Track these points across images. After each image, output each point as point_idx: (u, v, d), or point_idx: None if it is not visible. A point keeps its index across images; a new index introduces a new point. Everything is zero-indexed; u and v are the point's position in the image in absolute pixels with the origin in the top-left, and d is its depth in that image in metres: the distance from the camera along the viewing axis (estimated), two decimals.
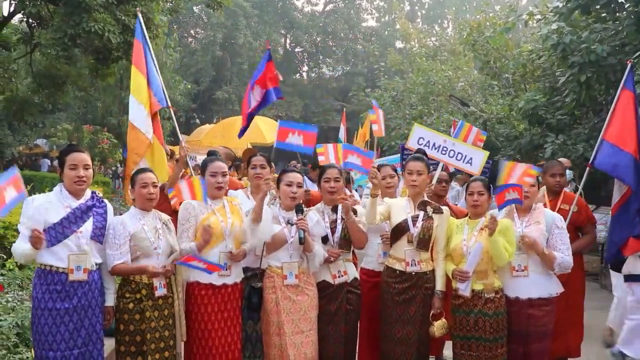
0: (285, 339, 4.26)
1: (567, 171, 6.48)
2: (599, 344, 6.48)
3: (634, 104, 5.52)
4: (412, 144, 6.85)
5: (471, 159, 7.20)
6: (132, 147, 5.50)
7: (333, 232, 4.52)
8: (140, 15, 5.83)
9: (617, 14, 9.50)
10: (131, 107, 5.50)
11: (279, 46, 41.44)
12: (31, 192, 8.52)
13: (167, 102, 5.75)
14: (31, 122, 17.66)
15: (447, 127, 12.35)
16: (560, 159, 6.84)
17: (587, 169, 5.75)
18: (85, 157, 3.96)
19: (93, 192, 4.07)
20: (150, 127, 5.49)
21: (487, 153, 7.32)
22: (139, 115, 5.47)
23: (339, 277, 4.49)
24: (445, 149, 7.16)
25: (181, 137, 6.60)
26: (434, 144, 6.98)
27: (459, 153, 7.20)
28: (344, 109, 10.48)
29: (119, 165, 25.76)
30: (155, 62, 5.75)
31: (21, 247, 3.70)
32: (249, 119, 6.56)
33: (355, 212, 4.51)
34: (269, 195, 5.01)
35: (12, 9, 12.98)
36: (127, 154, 5.66)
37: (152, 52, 5.77)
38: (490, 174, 10.83)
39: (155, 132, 5.60)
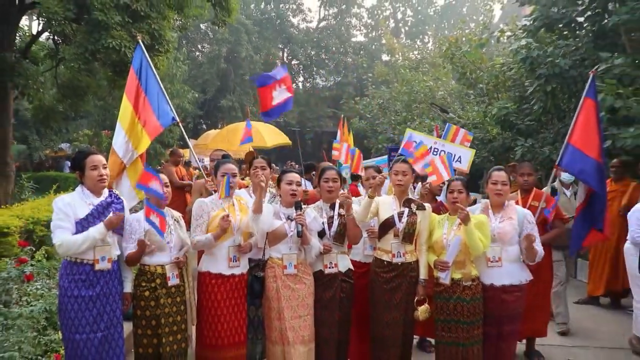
0: (285, 323, 4.27)
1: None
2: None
3: (596, 112, 5.54)
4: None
5: (460, 157, 7.25)
6: (110, 169, 5.47)
7: (330, 227, 4.50)
8: (141, 41, 5.69)
9: (577, 32, 9.58)
10: (116, 132, 5.45)
11: (277, 59, 41.44)
12: (57, 191, 8.57)
13: (175, 117, 5.76)
14: (56, 128, 17.64)
15: (429, 132, 12.35)
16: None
17: (555, 169, 5.77)
18: (103, 158, 4.00)
19: (110, 191, 4.09)
20: (128, 151, 5.39)
21: (473, 151, 7.34)
22: (118, 139, 5.40)
23: (329, 268, 4.47)
24: (436, 149, 7.19)
25: (190, 142, 6.61)
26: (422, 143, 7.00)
27: (449, 153, 7.23)
28: (342, 116, 10.47)
29: None
30: (161, 84, 5.70)
31: (81, 236, 3.71)
32: (275, 112, 6.91)
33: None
34: (269, 193, 5.01)
35: (40, 28, 13.08)
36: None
37: (157, 75, 5.68)
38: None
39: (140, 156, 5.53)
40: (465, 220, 4.16)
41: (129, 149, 5.40)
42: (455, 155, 7.23)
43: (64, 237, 3.71)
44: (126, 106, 5.48)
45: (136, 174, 5.21)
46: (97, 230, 3.74)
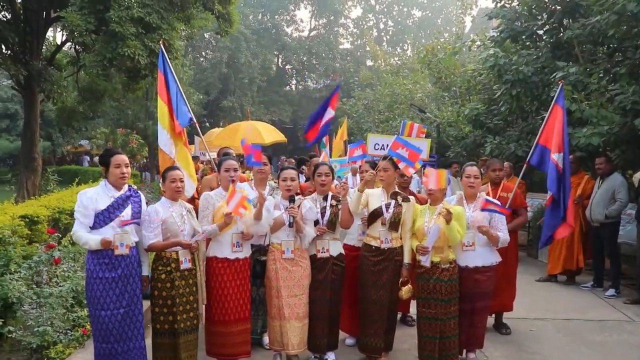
0: (282, 300, 4.31)
1: None
2: (527, 299, 6.59)
3: (563, 119, 5.56)
4: (370, 150, 6.87)
5: (419, 148, 7.32)
6: (161, 166, 5.47)
7: (323, 216, 4.51)
8: (162, 46, 5.68)
9: (538, 43, 9.69)
10: (159, 133, 5.44)
11: (272, 64, 41.33)
12: (79, 183, 8.52)
13: (192, 118, 5.69)
14: (77, 126, 17.72)
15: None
16: None
17: (525, 165, 5.79)
18: (125, 157, 4.00)
19: (129, 185, 4.07)
20: (173, 147, 5.41)
21: (429, 140, 7.43)
22: (162, 138, 5.41)
23: (322, 252, 4.49)
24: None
25: (202, 139, 6.60)
26: (387, 145, 7.05)
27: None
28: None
29: (145, 160, 25.65)
30: (179, 85, 5.65)
31: (85, 236, 3.74)
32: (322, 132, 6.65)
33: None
34: (269, 186, 5.01)
35: (63, 38, 13.42)
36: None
37: (175, 76, 5.65)
38: (438, 166, 10.92)
39: (186, 145, 5.59)
40: (449, 221, 4.18)
41: (171, 143, 5.44)
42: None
43: (77, 229, 3.78)
44: (162, 106, 5.46)
45: (188, 164, 5.42)
46: (94, 241, 3.73)
